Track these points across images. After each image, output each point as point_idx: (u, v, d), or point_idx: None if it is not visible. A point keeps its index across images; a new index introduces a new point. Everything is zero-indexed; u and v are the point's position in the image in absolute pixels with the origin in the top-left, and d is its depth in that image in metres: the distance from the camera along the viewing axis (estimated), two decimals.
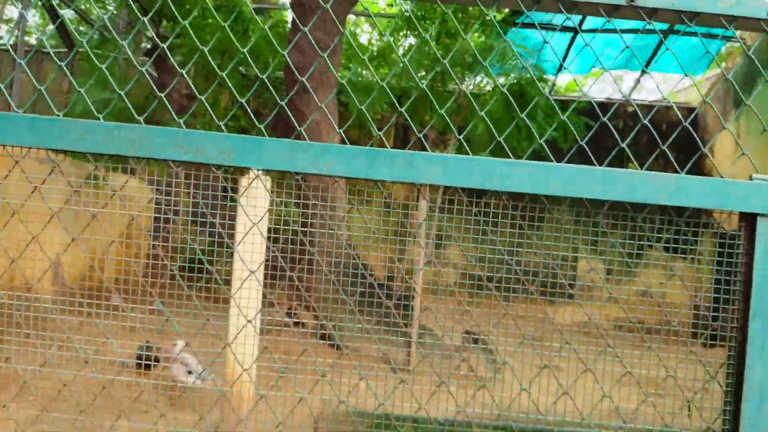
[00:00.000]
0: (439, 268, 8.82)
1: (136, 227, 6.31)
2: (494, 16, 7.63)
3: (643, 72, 9.25)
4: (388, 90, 1.52)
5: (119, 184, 6.16)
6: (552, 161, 1.20)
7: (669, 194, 1.16)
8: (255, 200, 2.68)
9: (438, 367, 4.88)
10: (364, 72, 8.60)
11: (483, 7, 1.28)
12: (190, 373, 4.07)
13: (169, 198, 6.06)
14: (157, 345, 4.34)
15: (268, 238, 5.28)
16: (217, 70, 1.42)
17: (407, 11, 8.02)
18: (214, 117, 1.50)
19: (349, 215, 7.28)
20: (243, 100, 1.32)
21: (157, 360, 4.30)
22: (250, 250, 2.64)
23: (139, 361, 4.37)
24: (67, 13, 9.04)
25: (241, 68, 8.67)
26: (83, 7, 9.01)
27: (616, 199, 1.17)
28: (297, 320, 6.14)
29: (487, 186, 1.17)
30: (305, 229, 5.79)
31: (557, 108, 1.48)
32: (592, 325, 6.84)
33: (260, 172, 2.87)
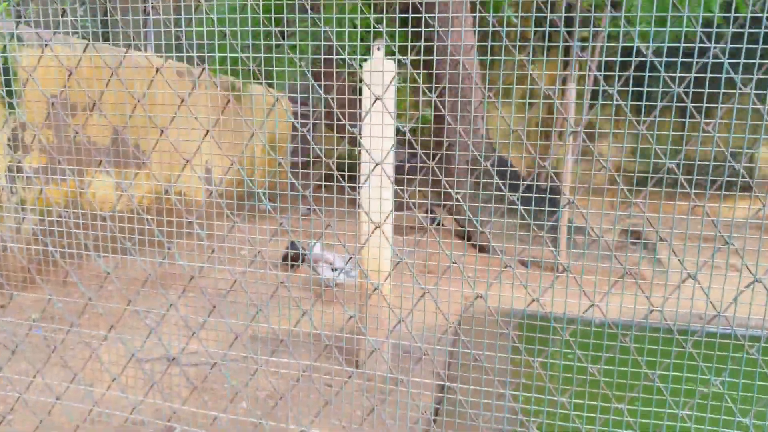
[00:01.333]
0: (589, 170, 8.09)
1: (276, 139, 6.49)
2: None
3: None
4: None
5: (259, 95, 6.30)
6: None
7: None
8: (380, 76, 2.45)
9: (593, 268, 4.49)
10: None
11: None
12: (334, 270, 4.15)
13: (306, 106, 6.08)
14: (300, 244, 4.48)
15: (403, 139, 5.09)
16: None
17: None
18: None
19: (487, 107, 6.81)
20: None
21: (297, 259, 4.46)
22: (378, 121, 2.44)
23: (285, 261, 4.58)
24: None
25: None
26: None
27: None
28: (433, 216, 6.01)
29: None
30: (440, 126, 5.50)
31: None
32: None
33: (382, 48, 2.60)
